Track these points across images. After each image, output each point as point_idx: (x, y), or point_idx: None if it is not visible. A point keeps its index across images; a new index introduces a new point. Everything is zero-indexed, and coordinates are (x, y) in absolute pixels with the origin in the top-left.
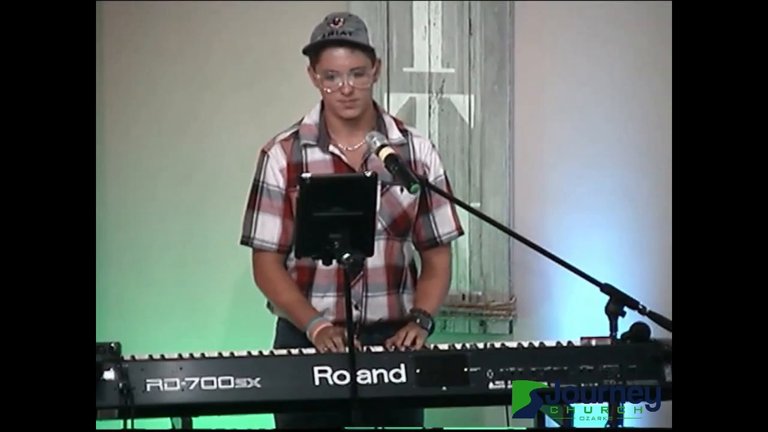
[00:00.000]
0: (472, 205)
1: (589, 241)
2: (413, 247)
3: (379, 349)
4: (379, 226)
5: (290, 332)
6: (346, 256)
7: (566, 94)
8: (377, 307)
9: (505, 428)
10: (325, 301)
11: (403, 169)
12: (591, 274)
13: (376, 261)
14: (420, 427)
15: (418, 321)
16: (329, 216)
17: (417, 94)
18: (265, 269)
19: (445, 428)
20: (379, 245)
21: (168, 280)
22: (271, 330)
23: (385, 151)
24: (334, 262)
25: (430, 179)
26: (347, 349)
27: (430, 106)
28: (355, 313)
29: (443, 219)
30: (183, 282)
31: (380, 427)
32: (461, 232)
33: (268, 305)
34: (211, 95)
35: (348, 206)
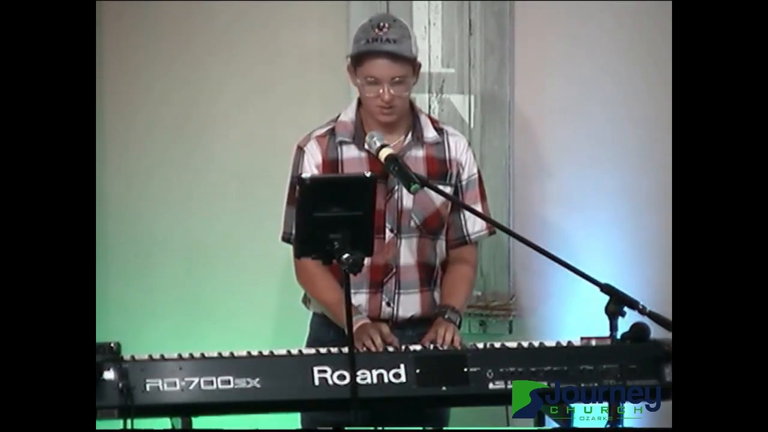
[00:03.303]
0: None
1: (589, 241)
2: (445, 246)
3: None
4: (411, 224)
5: (325, 328)
6: (345, 256)
7: (566, 94)
8: (409, 304)
9: (505, 428)
10: (357, 298)
11: (403, 169)
12: (591, 274)
13: (408, 259)
14: (420, 428)
15: (446, 317)
16: (329, 216)
17: (417, 94)
18: (306, 267)
19: (444, 428)
20: (412, 243)
21: (168, 279)
22: (272, 330)
23: (385, 152)
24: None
25: (464, 177)
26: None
27: (430, 106)
28: (387, 309)
29: (474, 218)
30: (183, 282)
31: (380, 428)
32: (492, 232)
33: (304, 301)
34: (211, 95)
35: (348, 206)
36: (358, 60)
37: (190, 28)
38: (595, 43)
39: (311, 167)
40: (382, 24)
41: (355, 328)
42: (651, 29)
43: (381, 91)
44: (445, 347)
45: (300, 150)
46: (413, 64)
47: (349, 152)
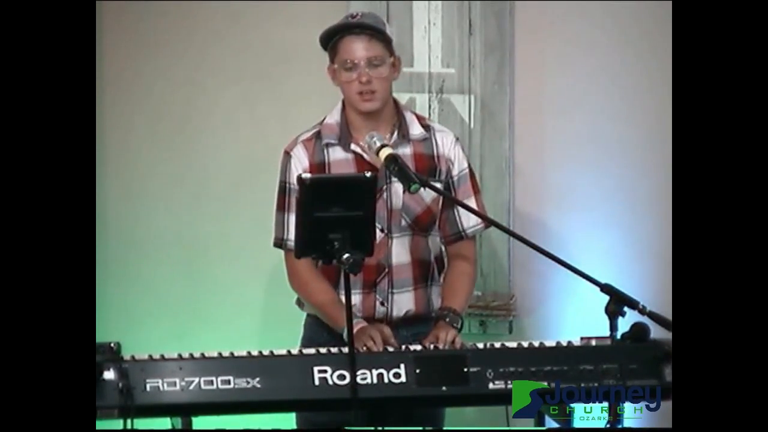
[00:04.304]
0: None
1: (589, 241)
2: (438, 241)
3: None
4: (403, 222)
5: (318, 329)
6: (345, 256)
7: (566, 94)
8: (403, 302)
9: (505, 428)
10: (351, 298)
11: (404, 169)
12: (591, 274)
13: (401, 257)
14: (421, 428)
15: (447, 320)
16: (329, 216)
17: (417, 94)
18: (299, 271)
19: (445, 428)
20: (404, 242)
21: (168, 279)
22: (272, 330)
23: (385, 152)
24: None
25: (454, 173)
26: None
27: (430, 106)
28: (381, 309)
29: (468, 212)
30: (183, 282)
31: (380, 428)
32: (488, 225)
33: (298, 302)
34: (210, 95)
35: (348, 206)
36: (333, 49)
37: (189, 28)
38: (595, 43)
39: (299, 171)
40: (356, 13)
41: (355, 330)
42: (651, 29)
43: (358, 73)
44: (446, 347)
45: (287, 155)
46: (390, 49)
47: (336, 154)
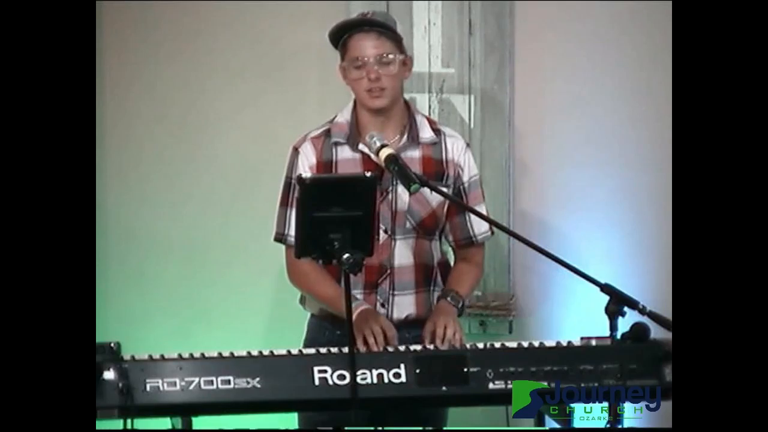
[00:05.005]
0: None
1: (589, 241)
2: (441, 246)
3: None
4: (407, 225)
5: (321, 329)
6: (345, 256)
7: (566, 94)
8: (404, 305)
9: (505, 428)
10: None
11: (403, 169)
12: (591, 274)
13: (404, 260)
14: (421, 428)
15: (449, 299)
16: (329, 216)
17: (417, 94)
18: (299, 265)
19: (445, 428)
20: (409, 244)
21: (168, 279)
22: (273, 330)
23: (385, 152)
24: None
25: (465, 179)
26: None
27: (430, 106)
28: (381, 310)
29: (479, 219)
30: (183, 282)
31: (380, 428)
32: (493, 232)
33: (301, 301)
34: (210, 95)
35: (348, 206)
36: (344, 45)
37: (190, 28)
38: (595, 43)
39: (305, 168)
40: (366, 12)
41: (355, 314)
42: (651, 29)
43: (367, 70)
44: (445, 347)
45: (295, 151)
46: (399, 46)
47: (343, 153)
